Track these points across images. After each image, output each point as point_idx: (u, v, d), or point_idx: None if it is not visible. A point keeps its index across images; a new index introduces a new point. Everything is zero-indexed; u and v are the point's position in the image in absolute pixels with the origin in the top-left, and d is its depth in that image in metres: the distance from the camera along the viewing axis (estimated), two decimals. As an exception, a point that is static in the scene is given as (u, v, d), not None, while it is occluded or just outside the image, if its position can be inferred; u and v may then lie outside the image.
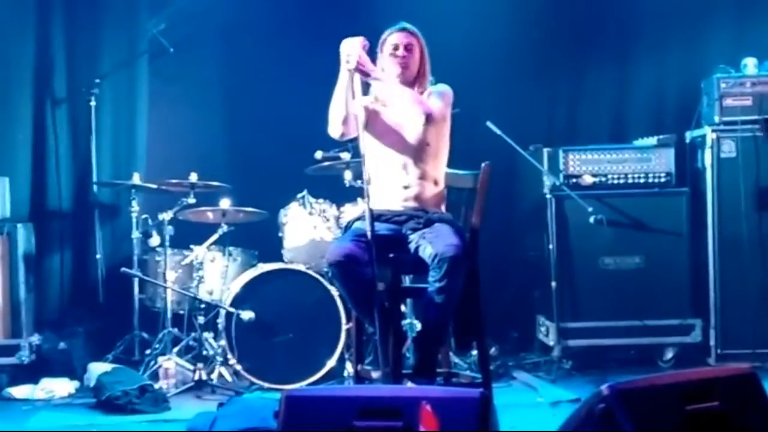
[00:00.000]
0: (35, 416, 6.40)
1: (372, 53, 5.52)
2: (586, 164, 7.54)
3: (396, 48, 5.61)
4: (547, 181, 7.47)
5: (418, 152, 5.58)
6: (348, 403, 3.77)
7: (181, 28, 8.19)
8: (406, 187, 5.57)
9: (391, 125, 5.61)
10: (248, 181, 7.86)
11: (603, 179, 7.53)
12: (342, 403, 3.79)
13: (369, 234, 5.03)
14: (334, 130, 5.59)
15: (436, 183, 5.64)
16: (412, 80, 5.64)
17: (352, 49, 5.37)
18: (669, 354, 7.49)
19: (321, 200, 7.37)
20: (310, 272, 7.08)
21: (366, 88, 5.55)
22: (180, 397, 6.72)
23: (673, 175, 7.52)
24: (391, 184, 5.56)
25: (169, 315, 7.21)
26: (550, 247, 7.41)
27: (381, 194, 5.53)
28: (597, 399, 3.74)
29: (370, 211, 5.08)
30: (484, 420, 3.66)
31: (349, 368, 6.82)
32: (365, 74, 5.42)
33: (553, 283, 7.34)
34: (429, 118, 5.46)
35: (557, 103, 8.50)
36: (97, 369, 6.77)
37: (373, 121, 5.61)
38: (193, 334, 7.23)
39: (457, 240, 5.22)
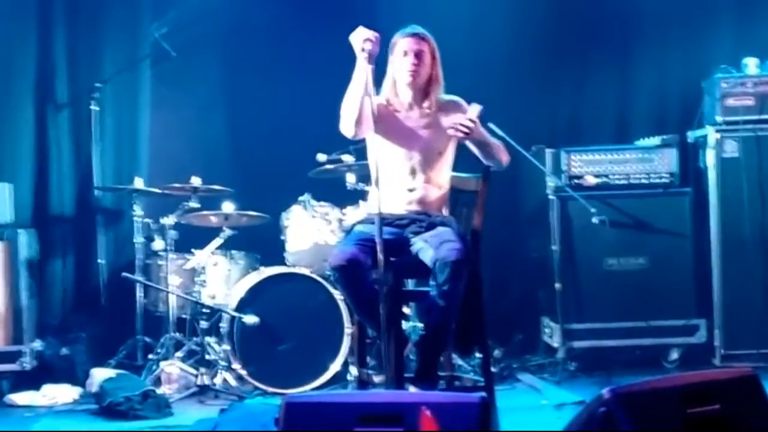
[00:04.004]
0: (37, 423, 6.37)
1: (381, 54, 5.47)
2: (589, 165, 7.54)
3: (405, 55, 5.57)
4: (550, 182, 7.46)
5: (428, 159, 5.58)
6: (348, 408, 3.75)
7: (184, 32, 8.17)
8: (410, 190, 5.56)
9: (405, 130, 5.59)
10: (251, 184, 7.85)
11: (606, 180, 7.52)
12: (342, 408, 3.77)
13: (378, 239, 4.99)
14: (348, 128, 5.49)
15: (440, 187, 5.63)
16: (423, 86, 5.63)
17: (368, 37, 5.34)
18: (674, 355, 7.49)
19: (323, 203, 7.36)
20: (313, 276, 7.06)
21: (377, 89, 5.51)
22: (183, 402, 6.70)
23: (676, 176, 7.52)
24: (395, 187, 5.54)
25: (171, 319, 7.21)
26: (554, 248, 7.40)
27: (384, 197, 5.48)
28: (598, 402, 3.73)
29: (380, 217, 5.04)
30: (485, 425, 3.64)
31: (353, 372, 6.80)
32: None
33: (557, 285, 7.33)
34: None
35: (559, 104, 8.49)
36: (99, 375, 6.76)
37: (386, 124, 5.52)
38: (195, 339, 7.21)
39: (458, 244, 5.21)
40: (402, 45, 5.57)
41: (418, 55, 5.55)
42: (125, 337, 7.45)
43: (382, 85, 5.65)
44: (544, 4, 8.43)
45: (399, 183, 5.56)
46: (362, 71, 5.34)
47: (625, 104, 8.44)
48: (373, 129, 5.32)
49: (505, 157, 5.59)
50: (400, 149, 5.57)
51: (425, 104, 5.61)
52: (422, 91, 5.62)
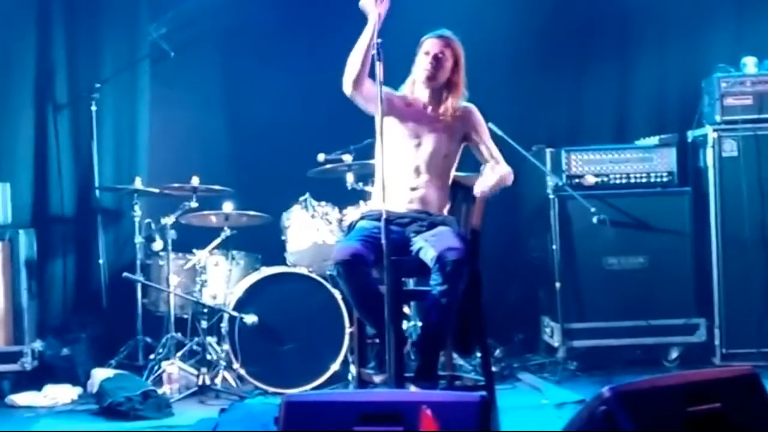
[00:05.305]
0: (38, 423, 6.38)
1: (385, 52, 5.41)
2: (589, 164, 7.54)
3: (426, 54, 5.63)
4: (550, 181, 7.47)
5: (434, 160, 5.63)
6: (348, 408, 3.75)
7: (182, 33, 8.19)
8: (413, 189, 5.58)
9: (416, 128, 5.63)
10: (251, 184, 7.86)
11: (605, 179, 7.52)
12: (342, 408, 3.76)
13: (383, 240, 4.96)
14: (347, 82, 5.49)
15: (441, 188, 5.66)
16: (439, 89, 5.67)
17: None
18: (674, 354, 7.49)
19: (323, 203, 7.36)
20: (314, 275, 7.07)
21: (397, 86, 5.50)
22: (183, 402, 6.71)
23: (675, 175, 7.53)
24: (398, 185, 5.55)
25: (172, 319, 7.20)
26: (554, 247, 7.40)
27: (386, 195, 5.48)
28: (598, 401, 3.72)
29: (386, 220, 5.02)
30: (485, 424, 3.64)
31: (353, 371, 6.80)
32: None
33: (557, 284, 7.34)
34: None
35: (559, 103, 8.49)
36: (100, 375, 6.76)
37: (398, 117, 5.59)
38: (196, 339, 7.21)
39: (458, 243, 5.22)
40: (426, 45, 5.66)
41: (438, 56, 5.61)
42: (126, 338, 7.44)
43: (404, 83, 5.69)
44: (544, 4, 8.43)
45: (402, 180, 5.57)
46: (370, 29, 5.37)
47: (624, 104, 8.44)
48: (377, 101, 5.12)
49: (510, 179, 5.65)
50: (408, 146, 5.60)
51: (441, 108, 5.64)
52: (439, 93, 5.66)
